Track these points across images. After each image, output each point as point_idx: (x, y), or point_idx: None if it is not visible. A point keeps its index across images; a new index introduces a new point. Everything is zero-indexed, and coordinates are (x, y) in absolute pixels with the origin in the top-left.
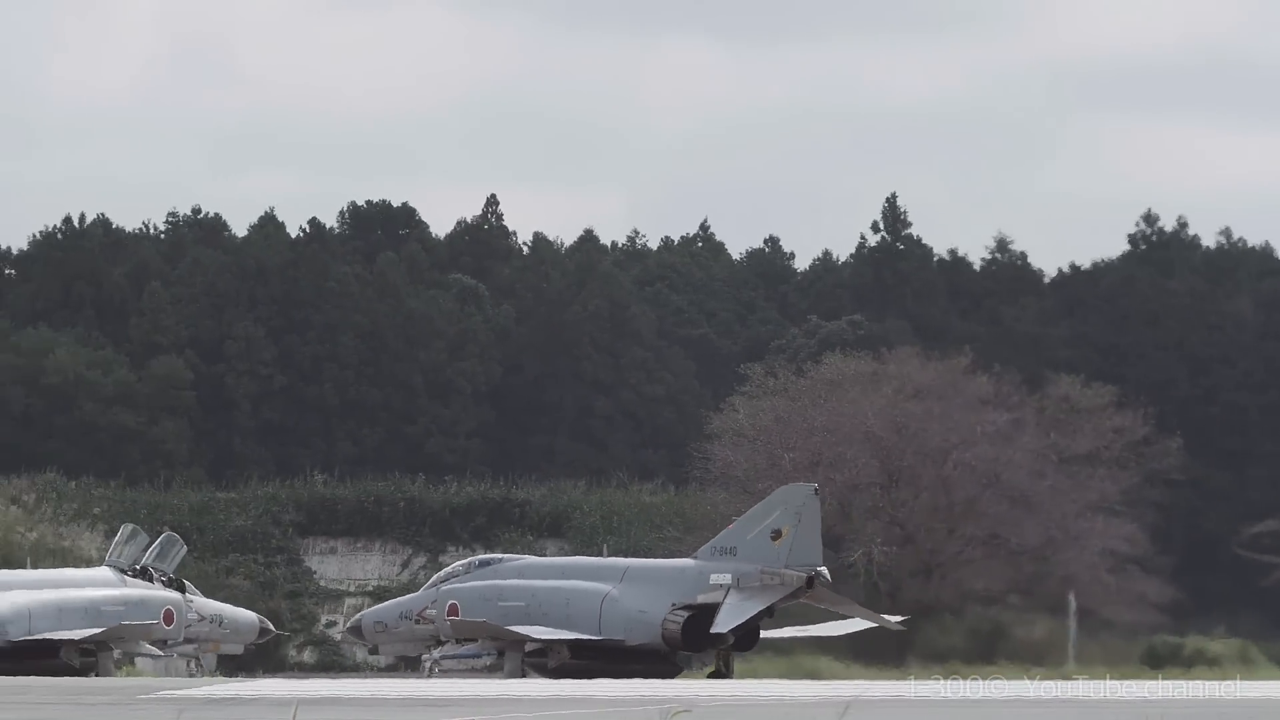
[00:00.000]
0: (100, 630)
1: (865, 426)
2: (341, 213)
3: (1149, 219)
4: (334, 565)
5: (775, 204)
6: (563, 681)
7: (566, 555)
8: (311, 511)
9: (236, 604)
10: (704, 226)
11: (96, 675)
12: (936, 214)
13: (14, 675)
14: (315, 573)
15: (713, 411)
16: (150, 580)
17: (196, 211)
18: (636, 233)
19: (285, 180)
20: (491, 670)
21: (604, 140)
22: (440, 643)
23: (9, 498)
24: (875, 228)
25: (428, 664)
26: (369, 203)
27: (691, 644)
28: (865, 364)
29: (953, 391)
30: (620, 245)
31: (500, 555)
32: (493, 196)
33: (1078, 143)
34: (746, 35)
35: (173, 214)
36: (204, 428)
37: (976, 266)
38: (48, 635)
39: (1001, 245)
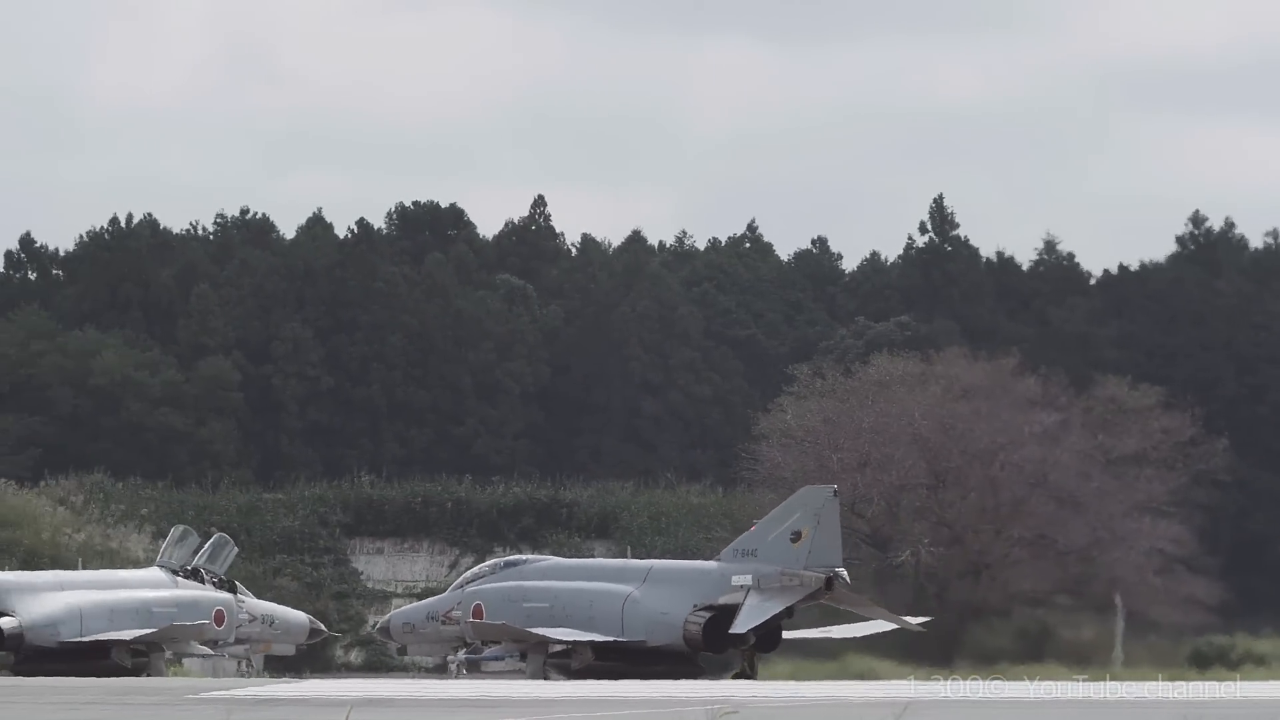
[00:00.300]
0: (152, 631)
1: (913, 427)
2: (389, 213)
3: (1196, 219)
4: (381, 566)
5: (823, 204)
6: (611, 682)
7: (615, 556)
8: (359, 512)
9: (284, 605)
10: (751, 227)
11: (148, 676)
12: (984, 215)
13: (66, 676)
14: (362, 573)
15: (761, 412)
16: (201, 581)
17: (244, 212)
18: (684, 233)
19: (333, 181)
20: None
21: (651, 141)
22: (467, 644)
23: (57, 499)
24: (923, 228)
25: (452, 666)
26: (417, 203)
27: (712, 645)
28: (913, 365)
29: (1000, 392)
30: (668, 246)
31: (525, 556)
32: (540, 197)
33: (1125, 143)
34: (794, 36)
35: (221, 215)
36: (251, 429)
37: (1024, 267)
38: (99, 636)
39: (1049, 246)
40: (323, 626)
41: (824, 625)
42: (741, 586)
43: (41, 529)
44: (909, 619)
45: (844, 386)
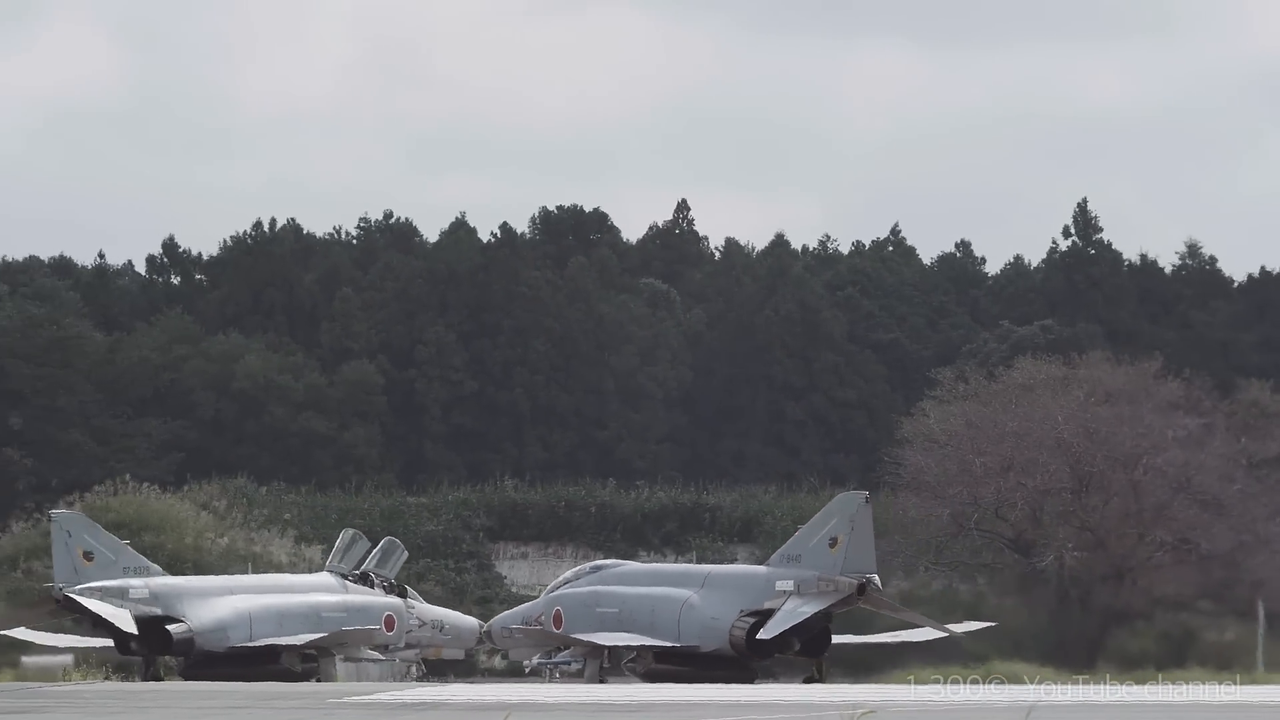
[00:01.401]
0: (321, 635)
1: (1056, 431)
2: (533, 218)
3: None
4: (525, 570)
5: (966, 208)
6: (748, 686)
7: (756, 562)
8: (502, 516)
9: None
10: (895, 231)
11: (318, 680)
12: (1127, 218)
13: (235, 680)
14: (506, 578)
15: (904, 416)
16: (371, 586)
17: (388, 216)
18: (828, 237)
19: (477, 185)
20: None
21: (796, 145)
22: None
23: (200, 503)
24: (1066, 232)
25: (527, 669)
26: (560, 207)
27: (758, 650)
28: (1056, 369)
29: (1143, 396)
30: (811, 250)
31: (609, 561)
32: (684, 201)
33: (1269, 147)
34: (941, 40)
35: (364, 219)
36: (395, 433)
37: (1167, 271)
38: (269, 641)
39: (1192, 250)
40: None
41: (878, 632)
42: (784, 592)
43: (185, 534)
44: (952, 627)
45: (987, 390)
